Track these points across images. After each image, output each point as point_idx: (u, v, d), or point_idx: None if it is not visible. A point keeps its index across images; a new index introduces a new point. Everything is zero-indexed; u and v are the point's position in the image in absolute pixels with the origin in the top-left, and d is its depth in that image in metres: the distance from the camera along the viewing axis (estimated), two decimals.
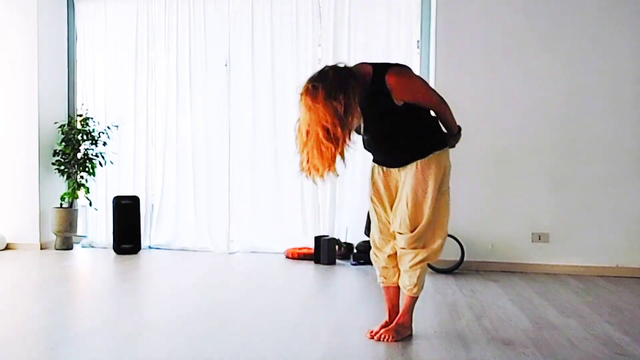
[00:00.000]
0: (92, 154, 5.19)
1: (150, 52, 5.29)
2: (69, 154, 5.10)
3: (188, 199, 5.17)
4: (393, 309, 2.58)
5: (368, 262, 4.43)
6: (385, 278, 2.59)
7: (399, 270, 2.55)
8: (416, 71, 4.75)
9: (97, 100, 5.40)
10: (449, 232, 4.18)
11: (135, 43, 5.29)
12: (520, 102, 4.20)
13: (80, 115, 5.29)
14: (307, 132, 2.21)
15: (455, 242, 4.18)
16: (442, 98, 2.48)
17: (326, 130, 2.17)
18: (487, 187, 4.26)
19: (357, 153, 5.01)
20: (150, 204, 5.29)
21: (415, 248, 2.46)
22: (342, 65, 2.29)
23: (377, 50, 4.81)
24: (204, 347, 2.35)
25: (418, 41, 4.80)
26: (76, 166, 5.15)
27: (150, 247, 5.22)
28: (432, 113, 2.53)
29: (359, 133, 2.54)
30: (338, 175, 2.35)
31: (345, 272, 4.16)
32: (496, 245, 4.25)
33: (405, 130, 2.44)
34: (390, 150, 2.55)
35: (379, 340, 2.43)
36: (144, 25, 5.27)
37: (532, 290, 3.54)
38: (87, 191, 5.23)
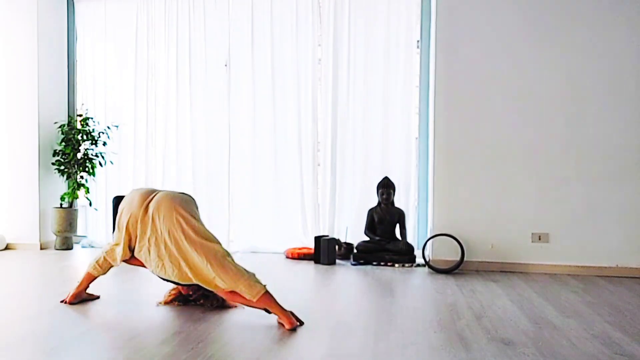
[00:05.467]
0: (92, 154, 5.19)
1: (150, 52, 5.29)
2: (69, 154, 5.10)
3: None
4: None
5: (368, 262, 4.46)
6: None
7: None
8: (416, 71, 4.80)
9: (97, 100, 5.41)
10: (450, 232, 4.21)
11: (135, 43, 5.30)
12: (520, 102, 4.20)
13: (80, 115, 5.29)
14: None
15: (455, 242, 4.18)
16: None
17: None
18: (487, 187, 4.26)
19: (357, 155, 5.05)
20: None
21: None
22: None
23: (377, 50, 4.81)
24: (203, 347, 2.35)
25: (418, 41, 4.80)
26: (76, 166, 5.16)
27: None
28: None
29: None
30: None
31: (345, 272, 4.16)
32: (496, 245, 4.25)
33: None
34: None
35: None
36: (143, 26, 5.28)
37: (532, 290, 3.54)
38: (87, 191, 5.23)
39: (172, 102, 5.24)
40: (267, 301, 2.68)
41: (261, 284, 2.71)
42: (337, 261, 4.57)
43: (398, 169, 4.81)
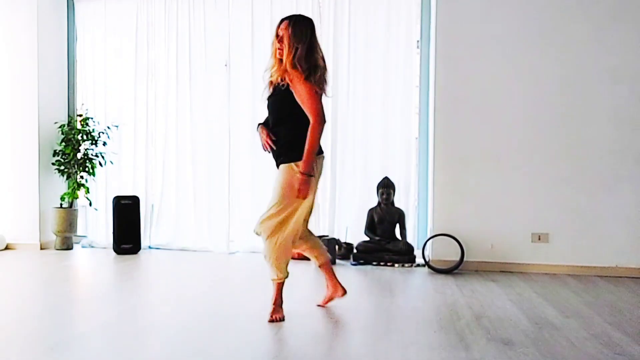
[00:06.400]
0: (92, 154, 5.19)
1: (150, 52, 5.29)
2: (69, 154, 5.10)
3: (188, 199, 5.17)
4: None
5: (368, 262, 4.46)
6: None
7: None
8: (416, 71, 4.80)
9: (97, 100, 5.40)
10: (450, 232, 4.21)
11: (135, 43, 5.30)
12: (520, 102, 4.21)
13: (80, 115, 5.29)
14: None
15: (455, 242, 4.18)
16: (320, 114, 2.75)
17: None
18: (487, 187, 4.26)
19: (357, 155, 5.05)
20: (150, 204, 5.29)
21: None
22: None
23: (377, 50, 4.81)
24: (204, 348, 2.35)
25: (418, 41, 4.80)
26: (76, 166, 5.16)
27: (150, 247, 5.22)
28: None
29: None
30: None
31: (345, 272, 4.16)
32: (496, 245, 4.25)
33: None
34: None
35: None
36: (143, 25, 5.28)
37: (532, 290, 3.54)
38: (87, 191, 5.23)
39: (172, 102, 5.23)
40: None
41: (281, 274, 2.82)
42: (337, 261, 4.57)
43: (398, 169, 4.81)
